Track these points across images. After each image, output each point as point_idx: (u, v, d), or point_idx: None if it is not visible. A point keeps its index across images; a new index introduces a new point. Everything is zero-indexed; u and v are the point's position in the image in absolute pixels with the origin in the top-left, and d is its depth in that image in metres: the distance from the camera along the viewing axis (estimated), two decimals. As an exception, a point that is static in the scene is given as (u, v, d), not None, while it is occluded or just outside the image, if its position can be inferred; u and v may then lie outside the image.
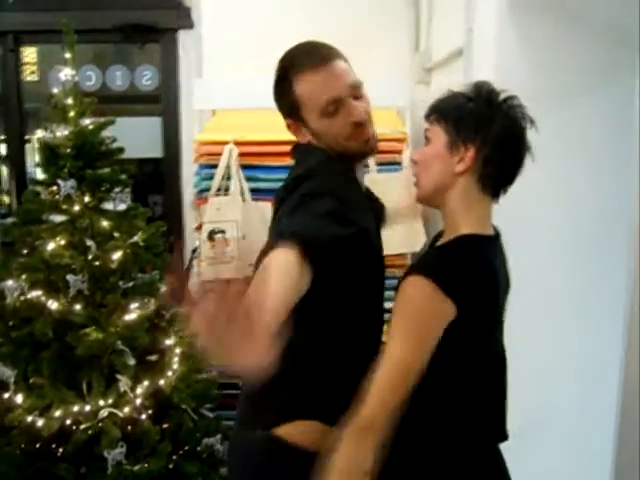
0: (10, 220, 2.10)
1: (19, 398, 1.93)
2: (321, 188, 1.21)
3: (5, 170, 3.39)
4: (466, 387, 1.16)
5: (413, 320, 1.10)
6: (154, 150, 3.52)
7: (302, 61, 1.30)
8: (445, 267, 1.13)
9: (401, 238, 2.59)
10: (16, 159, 3.40)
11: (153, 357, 2.10)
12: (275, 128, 2.64)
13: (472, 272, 1.14)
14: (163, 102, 3.49)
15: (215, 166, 2.60)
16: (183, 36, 3.42)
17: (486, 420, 1.21)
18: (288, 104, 1.33)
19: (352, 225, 1.15)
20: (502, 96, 1.19)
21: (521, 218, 1.54)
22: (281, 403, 1.27)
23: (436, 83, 2.92)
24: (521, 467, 1.32)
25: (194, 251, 2.85)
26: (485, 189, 1.19)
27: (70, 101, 2.06)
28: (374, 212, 1.40)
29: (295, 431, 1.25)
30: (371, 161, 2.61)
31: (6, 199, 3.58)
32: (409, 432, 1.15)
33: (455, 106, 1.19)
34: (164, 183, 3.55)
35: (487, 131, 1.15)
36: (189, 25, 3.39)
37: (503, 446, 1.26)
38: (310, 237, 1.04)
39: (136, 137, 3.43)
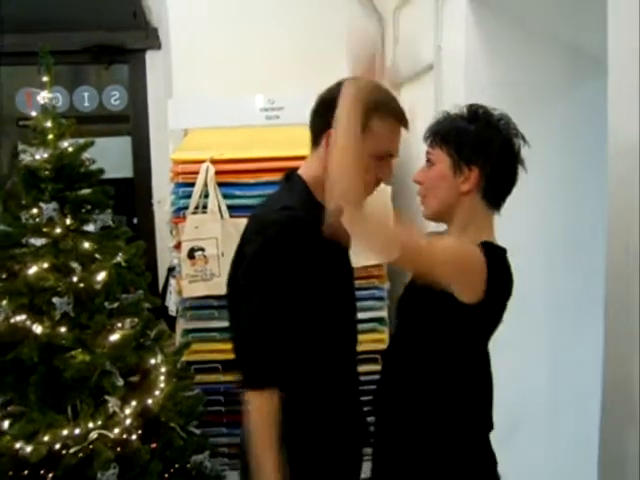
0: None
1: (5, 425, 1.90)
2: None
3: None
4: (464, 380, 1.25)
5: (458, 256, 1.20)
6: (124, 170, 3.52)
7: (394, 107, 1.37)
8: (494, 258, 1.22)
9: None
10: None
11: (139, 377, 2.09)
12: (248, 145, 2.74)
13: (500, 273, 1.24)
14: (132, 122, 3.51)
15: (191, 184, 2.62)
16: (151, 56, 3.46)
17: (479, 411, 1.29)
18: None
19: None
20: (496, 116, 1.27)
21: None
22: None
23: (406, 97, 3.01)
24: (504, 461, 1.40)
25: (171, 270, 2.86)
26: (489, 204, 1.27)
27: (49, 124, 2.05)
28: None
29: None
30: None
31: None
32: (409, 425, 1.23)
33: (455, 130, 1.28)
34: (135, 202, 3.55)
35: (487, 151, 1.24)
36: (157, 46, 3.44)
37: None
38: None
39: (106, 157, 3.45)
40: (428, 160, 1.32)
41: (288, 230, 1.28)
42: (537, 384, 2.29)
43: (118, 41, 3.42)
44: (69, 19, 3.36)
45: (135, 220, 3.60)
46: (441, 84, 2.42)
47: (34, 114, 2.11)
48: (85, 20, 3.38)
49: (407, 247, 1.16)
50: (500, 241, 1.38)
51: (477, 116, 1.28)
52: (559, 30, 2.16)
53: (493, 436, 1.39)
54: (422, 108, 2.67)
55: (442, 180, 1.28)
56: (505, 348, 1.97)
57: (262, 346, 1.29)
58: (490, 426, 1.34)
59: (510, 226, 1.98)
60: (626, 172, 1.36)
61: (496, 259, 1.24)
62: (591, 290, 1.67)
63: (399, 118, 1.37)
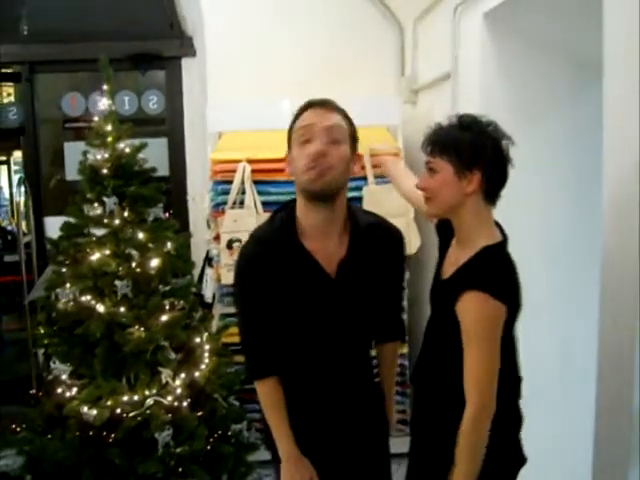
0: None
1: (74, 391, 2.17)
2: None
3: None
4: (505, 364, 1.45)
5: (485, 329, 1.39)
6: (161, 169, 3.77)
7: (303, 106, 1.57)
8: (492, 279, 1.40)
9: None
10: (34, 185, 3.62)
11: (187, 352, 2.34)
12: (280, 146, 2.96)
13: (509, 277, 1.44)
14: (169, 124, 3.77)
15: (229, 182, 2.89)
16: (186, 63, 3.72)
17: (511, 381, 1.53)
18: (289, 137, 1.58)
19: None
20: (485, 123, 1.48)
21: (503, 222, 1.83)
22: None
23: (423, 103, 3.25)
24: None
25: (209, 260, 3.12)
26: (489, 200, 1.49)
27: (109, 127, 2.31)
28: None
29: None
30: (369, 174, 2.92)
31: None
32: (445, 400, 1.48)
33: (452, 139, 1.46)
34: (170, 199, 3.80)
35: (484, 155, 1.44)
36: (191, 53, 3.69)
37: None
38: None
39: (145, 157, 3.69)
40: (430, 168, 1.49)
41: (240, 267, 1.61)
42: (542, 368, 2.51)
43: (155, 49, 3.67)
44: (110, 29, 3.62)
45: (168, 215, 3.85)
46: (457, 92, 2.66)
47: (96, 119, 2.35)
48: (125, 30, 3.65)
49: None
50: (518, 232, 1.60)
51: (469, 124, 1.46)
52: (566, 43, 2.38)
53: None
54: (439, 114, 2.90)
55: (447, 186, 1.44)
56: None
57: (251, 346, 1.67)
58: (518, 394, 1.57)
59: (518, 221, 2.22)
60: (621, 170, 1.59)
61: (501, 270, 1.43)
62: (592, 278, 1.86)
63: (310, 104, 1.55)
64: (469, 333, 1.40)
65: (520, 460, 1.57)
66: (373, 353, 1.82)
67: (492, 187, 1.47)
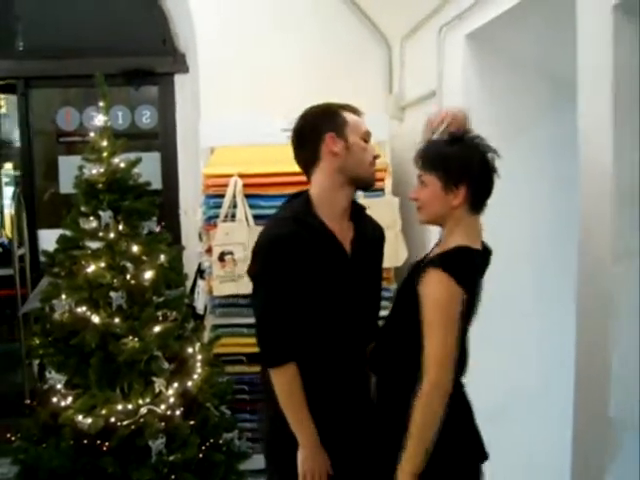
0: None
1: (69, 400, 2.22)
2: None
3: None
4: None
5: (445, 308, 1.47)
6: (154, 182, 3.82)
7: (344, 105, 1.74)
8: (455, 264, 1.50)
9: (386, 254, 2.97)
10: (27, 198, 3.67)
11: (180, 362, 2.40)
12: (271, 162, 3.06)
13: (471, 270, 1.53)
14: (161, 139, 3.84)
15: (221, 196, 2.95)
16: (179, 79, 3.79)
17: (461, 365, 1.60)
18: (336, 121, 1.69)
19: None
20: (472, 137, 1.58)
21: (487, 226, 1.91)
22: None
23: (410, 120, 3.34)
24: (495, 438, 1.69)
25: (201, 272, 3.18)
26: (473, 210, 1.58)
27: (105, 143, 2.38)
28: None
29: None
30: (357, 188, 3.00)
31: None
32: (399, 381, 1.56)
33: (440, 155, 1.56)
34: (163, 212, 3.85)
35: (470, 170, 1.54)
36: (184, 70, 3.77)
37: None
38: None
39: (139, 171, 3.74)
40: (421, 181, 1.60)
41: (273, 247, 1.64)
42: (525, 371, 2.59)
43: (148, 65, 3.75)
44: (104, 45, 3.69)
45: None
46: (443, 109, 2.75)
47: (92, 134, 2.42)
48: (119, 46, 3.72)
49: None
50: (495, 239, 1.69)
51: (456, 140, 1.57)
52: (544, 62, 2.48)
53: (483, 416, 1.68)
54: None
55: (435, 199, 1.56)
56: (494, 338, 2.29)
57: (271, 331, 1.64)
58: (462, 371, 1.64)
59: (502, 232, 2.31)
60: (595, 179, 1.68)
61: (465, 261, 1.53)
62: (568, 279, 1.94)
63: (353, 110, 1.74)
64: (428, 310, 1.47)
65: (480, 453, 1.62)
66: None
67: (477, 199, 1.57)
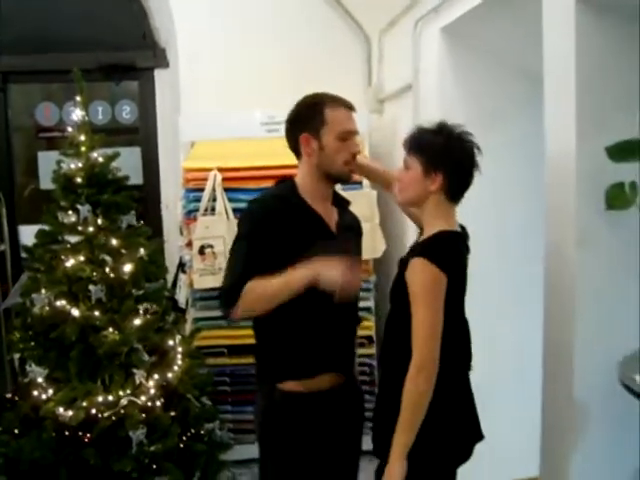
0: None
1: (50, 393, 2.24)
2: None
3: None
4: (449, 332, 1.57)
5: (429, 292, 1.53)
6: (135, 177, 3.83)
7: (335, 98, 1.77)
8: (436, 250, 1.57)
9: (365, 246, 3.01)
10: (6, 195, 3.65)
11: (160, 355, 2.43)
12: (250, 155, 3.08)
13: (453, 254, 1.59)
14: (142, 133, 3.85)
15: (200, 190, 2.98)
16: (159, 74, 3.80)
17: (461, 355, 1.66)
18: (314, 121, 1.73)
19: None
20: (458, 131, 1.64)
21: (465, 217, 1.95)
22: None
23: (388, 113, 3.38)
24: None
25: (182, 265, 3.20)
26: (450, 198, 1.64)
27: (82, 138, 2.39)
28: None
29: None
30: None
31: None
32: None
33: (425, 141, 1.63)
34: (144, 206, 3.87)
35: (449, 159, 1.60)
36: (164, 64, 3.77)
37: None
38: None
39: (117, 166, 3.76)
40: (405, 164, 1.67)
41: (261, 214, 1.74)
42: (505, 363, 2.65)
43: (129, 60, 3.74)
44: (84, 40, 3.68)
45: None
46: (418, 102, 2.79)
47: (69, 129, 2.43)
48: (98, 41, 3.71)
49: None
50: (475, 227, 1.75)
51: (442, 130, 1.64)
52: (517, 56, 2.53)
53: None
54: (403, 123, 3.05)
55: (415, 181, 1.63)
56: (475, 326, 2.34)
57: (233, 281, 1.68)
58: (469, 367, 1.71)
59: (476, 218, 2.36)
60: (560, 172, 1.73)
61: (445, 247, 1.59)
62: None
63: (344, 105, 1.76)
64: (414, 295, 1.54)
65: (477, 434, 1.68)
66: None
67: (453, 188, 1.63)
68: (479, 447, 1.75)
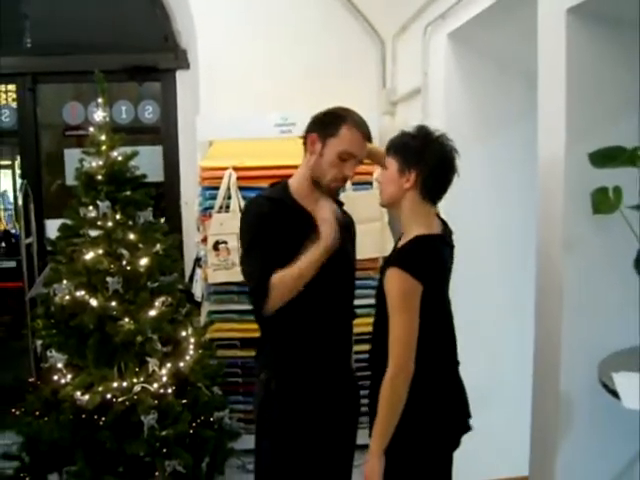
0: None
1: (68, 378, 2.38)
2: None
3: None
4: (431, 330, 1.66)
5: (403, 300, 1.61)
6: (156, 175, 3.98)
7: (359, 122, 1.81)
8: (411, 259, 1.63)
9: (373, 245, 3.11)
10: (34, 190, 3.82)
11: (173, 345, 2.55)
12: (265, 155, 3.19)
13: (428, 261, 1.66)
14: (163, 133, 3.98)
15: (216, 188, 3.10)
16: (180, 75, 3.93)
17: (447, 350, 1.74)
18: (328, 128, 1.80)
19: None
20: (436, 135, 1.71)
21: (465, 219, 2.03)
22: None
23: (400, 115, 3.46)
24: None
25: (198, 260, 3.33)
26: (425, 198, 1.70)
27: (103, 137, 2.53)
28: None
29: None
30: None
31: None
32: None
33: (402, 143, 1.72)
34: (165, 203, 4.01)
35: (423, 158, 1.67)
36: (185, 66, 3.90)
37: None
38: None
39: (140, 164, 3.91)
40: (385, 165, 1.75)
41: (249, 210, 1.87)
42: (505, 364, 2.72)
43: (151, 62, 3.88)
44: (109, 43, 3.84)
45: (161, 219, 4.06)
46: (427, 105, 2.87)
47: (91, 129, 2.56)
48: (123, 43, 3.86)
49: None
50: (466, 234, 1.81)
51: (420, 133, 1.71)
52: (522, 61, 2.58)
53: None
54: (413, 125, 3.12)
55: (392, 180, 1.71)
56: (474, 330, 2.41)
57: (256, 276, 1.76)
58: (455, 363, 1.79)
59: (476, 227, 2.43)
60: (550, 177, 1.80)
61: (420, 254, 1.66)
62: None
63: (362, 131, 1.80)
64: (390, 304, 1.62)
65: (463, 426, 1.76)
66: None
67: (428, 186, 1.70)
68: (476, 444, 1.83)
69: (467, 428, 1.76)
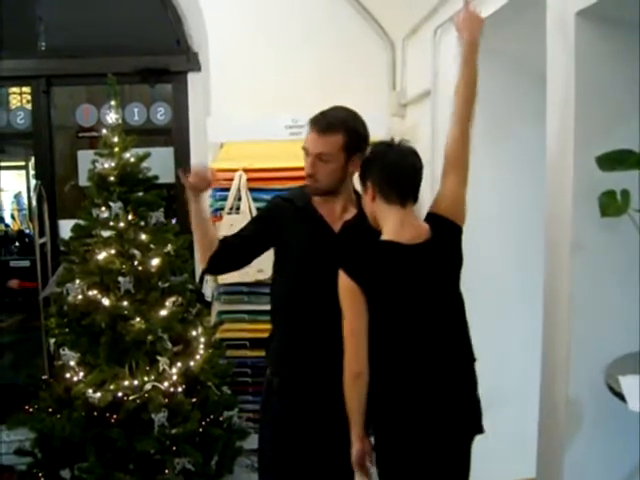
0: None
1: (81, 375, 2.41)
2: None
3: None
4: (385, 333, 1.72)
5: (343, 298, 1.69)
6: (167, 176, 4.00)
7: (315, 117, 1.88)
8: (350, 261, 1.71)
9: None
10: (48, 191, 3.87)
11: (183, 344, 2.58)
12: (275, 157, 3.21)
13: (366, 263, 1.71)
14: (175, 134, 4.02)
15: (227, 189, 3.13)
16: (192, 77, 3.96)
17: (404, 354, 1.74)
18: None
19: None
20: (395, 145, 1.77)
21: (472, 221, 2.03)
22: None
23: (410, 117, 3.47)
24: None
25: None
26: (390, 203, 1.74)
27: (116, 139, 2.56)
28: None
29: None
30: (357, 183, 3.14)
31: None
32: None
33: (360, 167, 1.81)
34: (176, 204, 4.04)
35: (370, 169, 1.76)
36: (197, 68, 3.93)
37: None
38: None
39: (152, 165, 3.93)
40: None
41: (265, 208, 2.07)
42: (511, 366, 2.72)
43: (163, 64, 3.92)
44: (122, 45, 3.88)
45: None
46: (436, 107, 2.88)
47: (104, 131, 2.60)
48: (135, 46, 3.90)
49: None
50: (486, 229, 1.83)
51: (376, 146, 1.80)
52: (531, 63, 2.58)
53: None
54: (422, 127, 3.14)
55: (365, 202, 1.80)
56: (483, 328, 2.42)
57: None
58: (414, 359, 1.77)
59: (490, 225, 2.43)
60: (558, 180, 1.81)
61: (363, 257, 1.72)
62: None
63: (313, 123, 1.85)
64: (341, 302, 1.70)
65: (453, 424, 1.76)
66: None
67: (385, 190, 1.74)
68: (482, 446, 1.83)
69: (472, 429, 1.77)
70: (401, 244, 1.72)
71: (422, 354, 1.74)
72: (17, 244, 6.47)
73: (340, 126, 1.80)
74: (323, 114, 1.84)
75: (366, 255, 1.73)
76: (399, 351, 1.72)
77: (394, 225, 1.73)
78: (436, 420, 1.72)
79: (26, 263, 4.22)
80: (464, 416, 1.77)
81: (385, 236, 1.73)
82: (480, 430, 1.78)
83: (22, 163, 7.40)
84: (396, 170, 1.74)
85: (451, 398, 1.74)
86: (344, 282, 1.68)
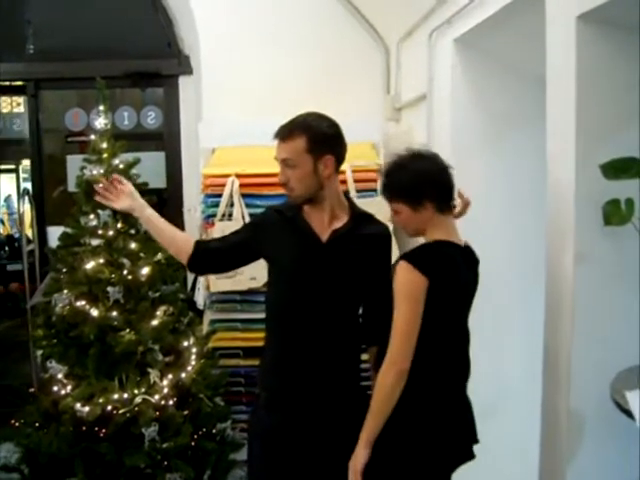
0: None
1: (69, 389, 2.34)
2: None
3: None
4: (441, 340, 1.66)
5: (407, 291, 1.62)
6: (158, 181, 3.95)
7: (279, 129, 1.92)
8: (418, 256, 1.66)
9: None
10: (37, 196, 3.80)
11: (175, 355, 2.51)
12: (268, 162, 3.14)
13: (434, 258, 1.67)
14: (166, 139, 3.96)
15: (219, 195, 3.06)
16: (183, 81, 3.91)
17: (455, 364, 1.71)
18: None
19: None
20: (416, 158, 1.73)
21: (472, 228, 1.99)
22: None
23: (405, 121, 3.42)
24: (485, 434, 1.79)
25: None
26: (445, 213, 1.73)
27: (105, 145, 2.50)
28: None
29: None
30: (351, 188, 3.09)
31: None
32: None
33: (399, 188, 1.75)
34: (167, 210, 3.98)
35: (428, 188, 1.71)
36: (188, 72, 3.88)
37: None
38: None
39: (142, 170, 3.86)
40: (394, 210, 1.78)
41: (264, 213, 2.05)
42: (514, 368, 2.67)
43: (154, 68, 3.86)
44: (112, 49, 3.82)
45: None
46: (432, 111, 2.83)
47: (93, 137, 2.53)
48: (126, 49, 3.84)
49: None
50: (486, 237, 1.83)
51: (406, 168, 1.73)
52: (529, 65, 2.55)
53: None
54: (418, 131, 3.09)
55: (409, 220, 1.75)
56: (484, 337, 2.37)
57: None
58: (464, 377, 1.76)
59: (486, 229, 2.39)
60: (560, 189, 1.76)
61: (430, 253, 1.69)
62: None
63: (277, 134, 1.88)
64: (395, 296, 1.64)
65: (465, 450, 1.72)
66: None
67: (441, 201, 1.73)
68: (483, 458, 1.79)
69: (469, 455, 1.72)
70: (459, 245, 1.74)
71: (459, 363, 1.74)
72: (7, 249, 6.39)
73: (300, 130, 1.81)
74: (287, 122, 1.87)
75: (434, 251, 1.70)
76: (439, 357, 1.69)
77: (447, 229, 1.74)
78: (455, 438, 1.71)
79: (18, 267, 4.14)
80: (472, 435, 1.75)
81: (439, 236, 1.72)
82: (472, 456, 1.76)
83: (12, 167, 7.33)
84: (447, 182, 1.73)
85: (469, 414, 1.75)
86: (411, 275, 1.61)
